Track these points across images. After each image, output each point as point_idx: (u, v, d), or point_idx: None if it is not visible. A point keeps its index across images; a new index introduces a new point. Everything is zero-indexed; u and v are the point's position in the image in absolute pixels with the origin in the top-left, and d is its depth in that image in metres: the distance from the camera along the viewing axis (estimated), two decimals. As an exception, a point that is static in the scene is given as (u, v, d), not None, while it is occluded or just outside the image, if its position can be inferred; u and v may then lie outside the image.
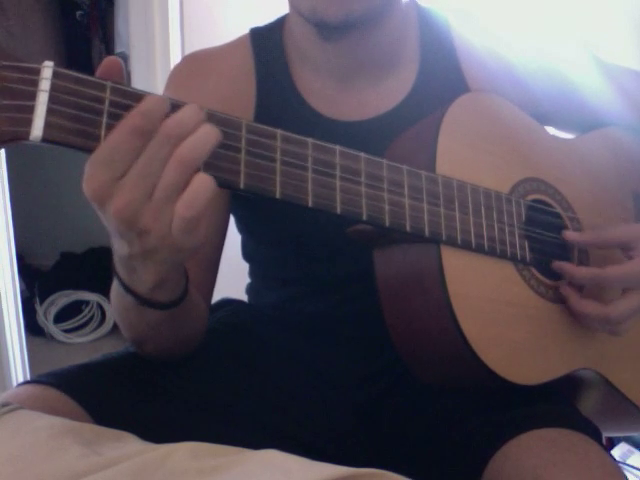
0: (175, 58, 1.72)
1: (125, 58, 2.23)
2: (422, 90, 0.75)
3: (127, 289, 0.54)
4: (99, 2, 2.50)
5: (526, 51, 0.78)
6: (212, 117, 0.48)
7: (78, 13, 2.48)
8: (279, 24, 0.80)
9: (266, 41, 0.78)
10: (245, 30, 0.81)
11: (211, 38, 0.92)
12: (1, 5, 2.12)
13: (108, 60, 0.46)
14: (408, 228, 0.57)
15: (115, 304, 0.60)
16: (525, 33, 0.81)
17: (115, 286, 0.57)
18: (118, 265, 0.53)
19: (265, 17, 0.81)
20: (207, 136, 0.44)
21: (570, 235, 0.69)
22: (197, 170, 0.45)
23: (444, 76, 0.76)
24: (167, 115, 0.44)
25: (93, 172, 0.43)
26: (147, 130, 0.43)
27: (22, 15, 2.26)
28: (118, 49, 2.32)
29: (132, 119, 0.43)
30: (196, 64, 0.80)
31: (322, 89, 0.76)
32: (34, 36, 2.35)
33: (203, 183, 0.44)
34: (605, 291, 0.68)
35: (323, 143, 0.54)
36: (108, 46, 2.48)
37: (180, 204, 0.44)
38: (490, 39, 0.78)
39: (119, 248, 0.49)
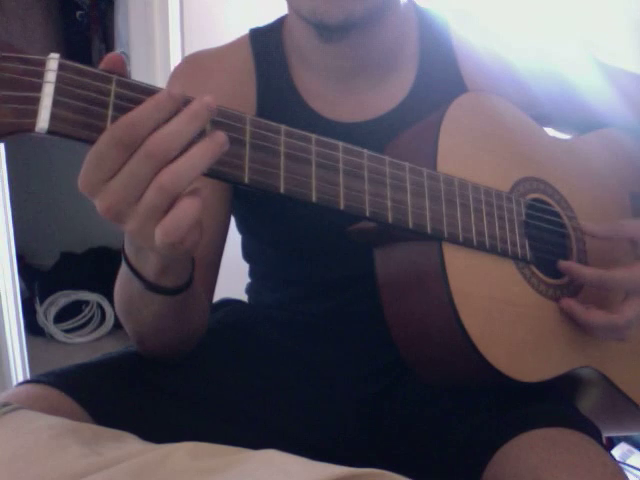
0: (175, 58, 1.72)
1: (125, 58, 2.23)
2: (421, 91, 0.75)
3: (135, 272, 0.54)
4: (99, 2, 2.50)
5: (526, 52, 0.78)
6: (217, 111, 0.47)
7: (78, 13, 2.48)
8: (278, 25, 0.80)
9: (266, 42, 0.78)
10: (245, 30, 0.81)
11: (211, 38, 0.92)
12: (1, 5, 2.12)
13: (111, 56, 0.45)
14: (410, 225, 0.57)
15: (120, 294, 0.60)
16: (525, 34, 0.80)
17: (122, 273, 0.57)
18: (127, 245, 0.53)
19: (265, 17, 0.81)
20: (192, 164, 0.43)
21: (587, 226, 0.70)
22: (180, 195, 0.43)
23: (443, 77, 0.76)
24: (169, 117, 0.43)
25: (85, 169, 0.43)
26: (129, 143, 0.42)
27: (22, 15, 2.26)
28: (118, 49, 2.32)
29: (115, 129, 0.42)
30: (196, 65, 0.80)
31: (322, 90, 0.76)
32: (34, 36, 2.35)
33: (186, 210, 0.43)
34: (606, 296, 0.68)
35: (326, 139, 0.54)
36: (108, 46, 2.48)
37: (159, 230, 0.43)
38: (489, 40, 0.78)
39: (125, 234, 0.50)
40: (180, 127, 0.43)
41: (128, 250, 0.53)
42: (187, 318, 0.63)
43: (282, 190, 0.50)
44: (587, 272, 0.66)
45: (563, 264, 0.67)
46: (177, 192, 0.43)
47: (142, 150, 0.42)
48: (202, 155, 0.43)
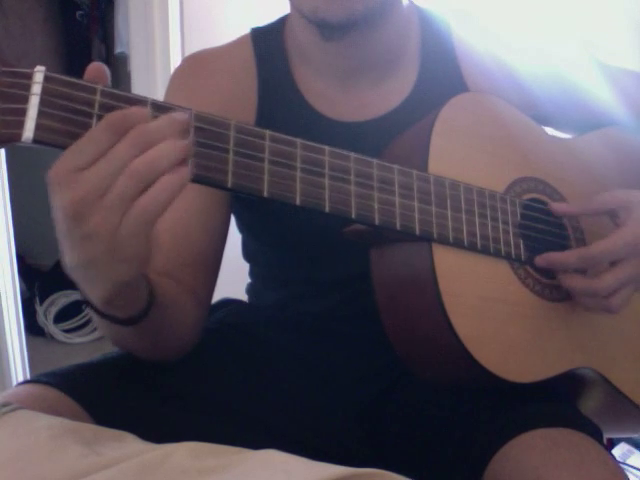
0: (175, 58, 1.72)
1: (125, 58, 2.24)
2: (422, 91, 0.75)
3: (85, 300, 0.53)
4: (99, 2, 2.51)
5: (526, 52, 0.78)
6: (200, 118, 0.48)
7: (78, 13, 2.48)
8: (280, 24, 0.80)
9: (267, 41, 0.78)
10: (245, 30, 0.81)
11: (211, 38, 0.92)
12: (1, 5, 2.12)
13: (92, 67, 0.46)
14: (398, 226, 0.57)
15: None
16: (525, 34, 0.81)
17: None
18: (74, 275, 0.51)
19: (265, 17, 0.81)
20: (162, 154, 0.44)
21: (556, 206, 0.69)
22: (151, 183, 0.44)
23: (444, 77, 0.76)
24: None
25: (62, 157, 0.44)
26: (122, 128, 0.43)
27: (22, 15, 2.26)
28: (118, 49, 2.32)
29: (112, 115, 0.44)
30: (197, 64, 0.80)
31: (323, 89, 0.76)
32: (34, 36, 2.35)
33: (170, 181, 0.44)
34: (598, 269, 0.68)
35: (312, 143, 0.54)
36: (108, 46, 2.48)
37: (140, 202, 0.43)
38: (490, 40, 0.78)
39: (65, 257, 0.49)
40: (167, 123, 0.45)
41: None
42: (160, 337, 0.62)
43: (265, 194, 0.51)
44: (565, 256, 0.65)
45: (539, 259, 0.65)
46: (149, 181, 0.43)
47: (129, 134, 0.43)
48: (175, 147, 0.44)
